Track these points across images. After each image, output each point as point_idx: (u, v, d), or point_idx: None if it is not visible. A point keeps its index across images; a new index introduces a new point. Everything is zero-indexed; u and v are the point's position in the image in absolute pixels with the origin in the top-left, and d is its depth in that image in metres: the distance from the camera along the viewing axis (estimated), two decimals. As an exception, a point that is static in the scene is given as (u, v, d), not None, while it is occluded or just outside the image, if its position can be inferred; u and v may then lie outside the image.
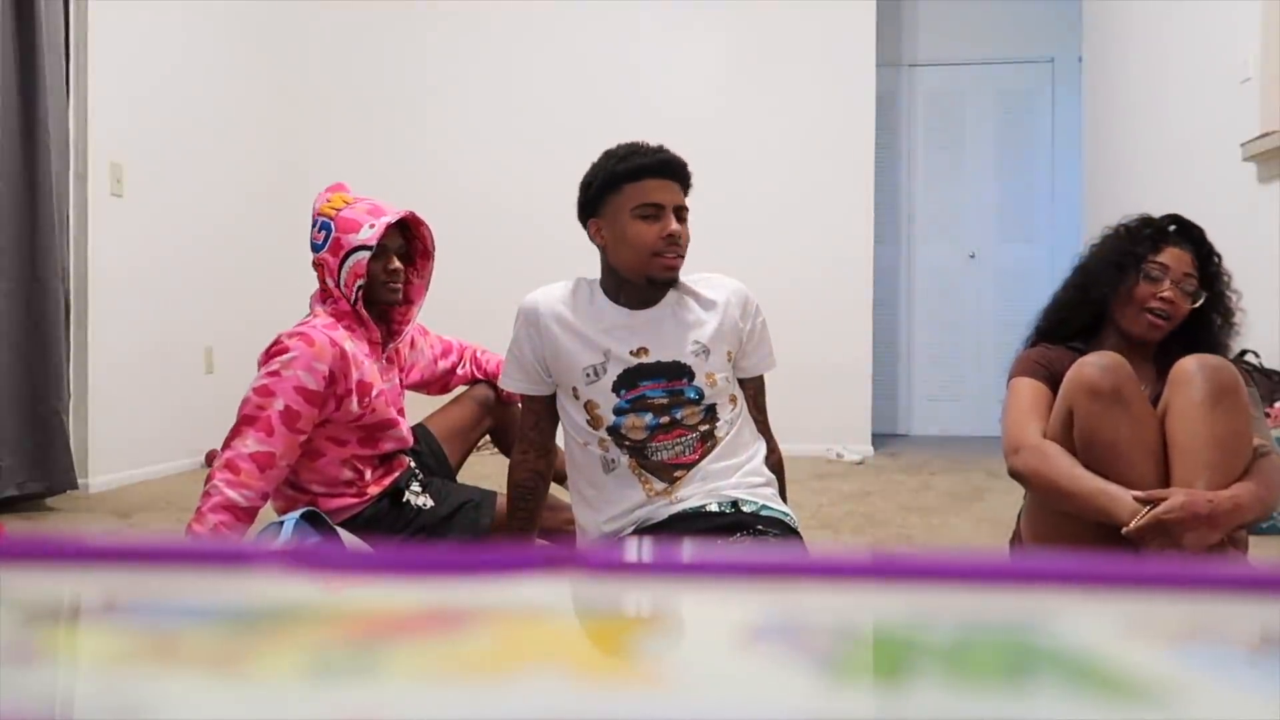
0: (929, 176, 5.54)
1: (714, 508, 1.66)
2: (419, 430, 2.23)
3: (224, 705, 0.23)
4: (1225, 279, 1.76)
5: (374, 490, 2.01)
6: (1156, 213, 1.81)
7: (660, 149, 1.71)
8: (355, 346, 1.93)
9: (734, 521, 1.64)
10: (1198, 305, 1.72)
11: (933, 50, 5.50)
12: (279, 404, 1.83)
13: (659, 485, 1.68)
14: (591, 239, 1.74)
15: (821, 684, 0.24)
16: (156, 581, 0.31)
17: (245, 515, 1.81)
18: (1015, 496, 1.83)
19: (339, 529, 1.81)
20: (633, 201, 1.67)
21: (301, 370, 1.85)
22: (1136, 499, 1.51)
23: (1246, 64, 3.04)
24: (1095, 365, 1.59)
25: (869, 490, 3.47)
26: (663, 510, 1.67)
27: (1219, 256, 1.77)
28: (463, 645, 0.26)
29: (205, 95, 3.95)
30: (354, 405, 1.92)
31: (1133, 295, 1.72)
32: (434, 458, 2.20)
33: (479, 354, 2.33)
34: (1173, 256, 1.72)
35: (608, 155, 1.71)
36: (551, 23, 4.61)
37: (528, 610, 0.29)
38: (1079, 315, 1.79)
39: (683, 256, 1.69)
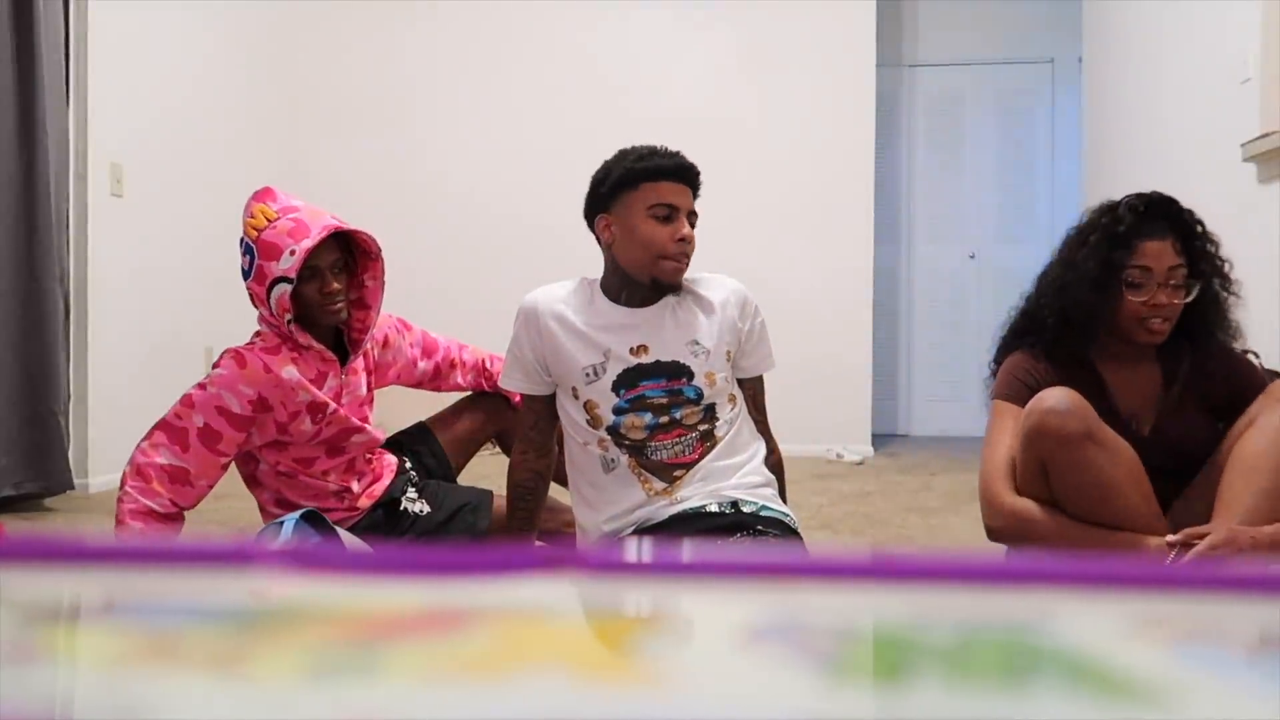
0: (929, 176, 5.54)
1: (714, 508, 1.66)
2: (420, 430, 2.22)
3: (224, 705, 0.23)
4: (1213, 248, 1.63)
5: (365, 502, 1.98)
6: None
7: (678, 154, 1.73)
8: (302, 370, 1.85)
9: (734, 522, 1.64)
10: (1192, 298, 1.61)
11: (933, 50, 5.50)
12: (199, 420, 1.78)
13: (659, 485, 1.69)
14: (597, 235, 1.74)
15: (821, 684, 0.24)
16: (156, 581, 0.31)
17: (165, 520, 1.76)
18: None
19: (339, 529, 1.80)
20: (648, 201, 1.67)
21: (226, 390, 1.79)
22: (1170, 543, 1.46)
23: (1246, 64, 3.04)
24: (1055, 412, 1.50)
25: (869, 490, 3.47)
26: (663, 510, 1.67)
27: (1202, 225, 1.62)
28: (463, 645, 0.26)
29: (205, 95, 3.95)
30: (307, 425, 1.85)
31: (1121, 310, 1.60)
32: (434, 458, 2.18)
33: (488, 363, 2.23)
34: (1153, 253, 1.58)
35: (624, 154, 1.72)
36: (551, 23, 4.61)
37: (528, 610, 0.29)
38: (1070, 335, 1.66)
39: (689, 259, 1.70)
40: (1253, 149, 2.96)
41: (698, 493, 1.67)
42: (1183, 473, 1.64)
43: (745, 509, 1.66)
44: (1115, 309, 1.61)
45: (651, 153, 1.71)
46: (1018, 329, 1.76)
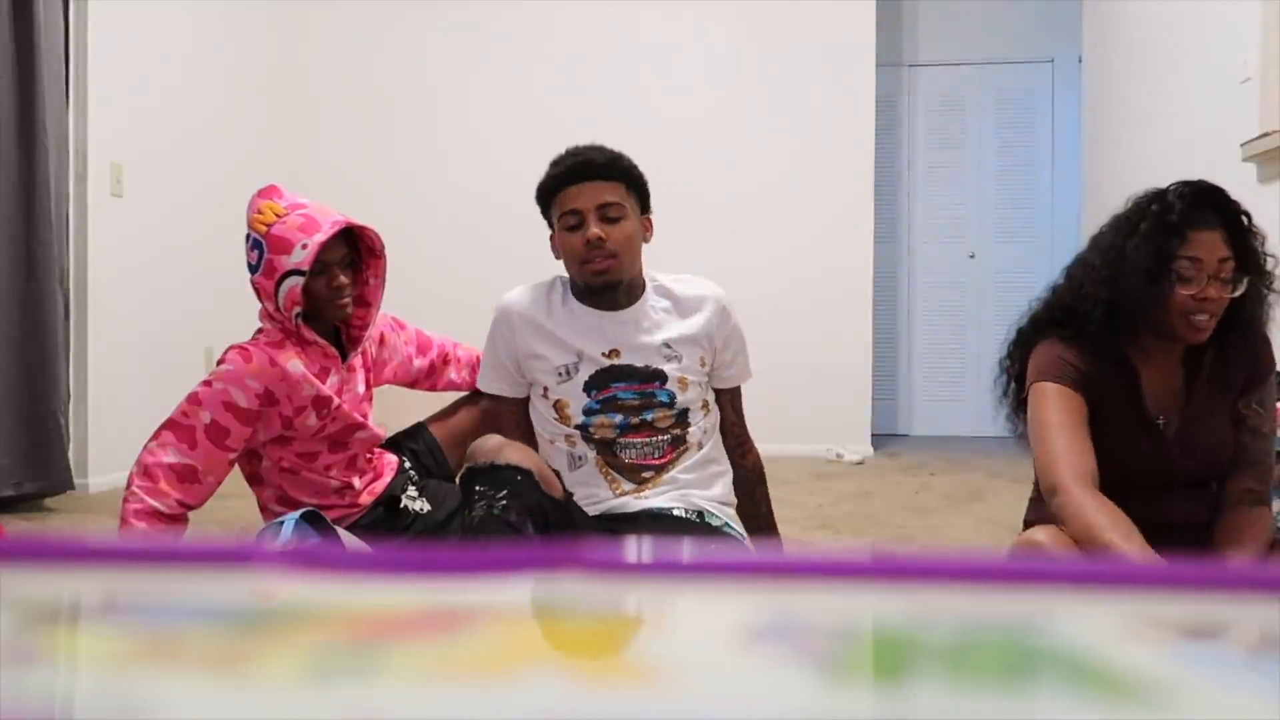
0: (929, 176, 5.54)
1: (680, 513, 1.66)
2: (418, 430, 2.22)
3: (224, 706, 0.23)
4: (1259, 240, 1.55)
5: (366, 499, 1.99)
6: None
7: (580, 151, 1.70)
8: (306, 364, 1.85)
9: (703, 533, 1.65)
10: (1240, 293, 1.52)
11: (933, 50, 5.49)
12: (206, 416, 1.78)
13: (627, 485, 1.68)
14: (554, 254, 1.76)
15: (821, 684, 0.24)
16: (156, 581, 0.31)
17: (170, 521, 1.76)
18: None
19: (339, 529, 1.80)
20: (560, 213, 1.68)
21: (232, 385, 1.79)
22: None
23: (1246, 64, 3.04)
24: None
25: (869, 490, 3.47)
26: (632, 504, 1.67)
27: (1248, 215, 1.55)
28: (463, 645, 0.26)
29: (206, 95, 3.95)
30: (312, 419, 1.86)
31: (1170, 303, 1.52)
32: (431, 457, 2.19)
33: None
34: (1203, 244, 1.50)
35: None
36: (551, 22, 4.61)
37: (528, 610, 0.29)
38: (1116, 329, 1.57)
39: (615, 256, 1.64)
40: (1253, 149, 2.96)
41: (668, 495, 1.67)
42: (1210, 482, 1.58)
43: (711, 520, 1.66)
44: (1165, 302, 1.53)
45: (555, 162, 1.70)
46: (1041, 320, 1.67)
